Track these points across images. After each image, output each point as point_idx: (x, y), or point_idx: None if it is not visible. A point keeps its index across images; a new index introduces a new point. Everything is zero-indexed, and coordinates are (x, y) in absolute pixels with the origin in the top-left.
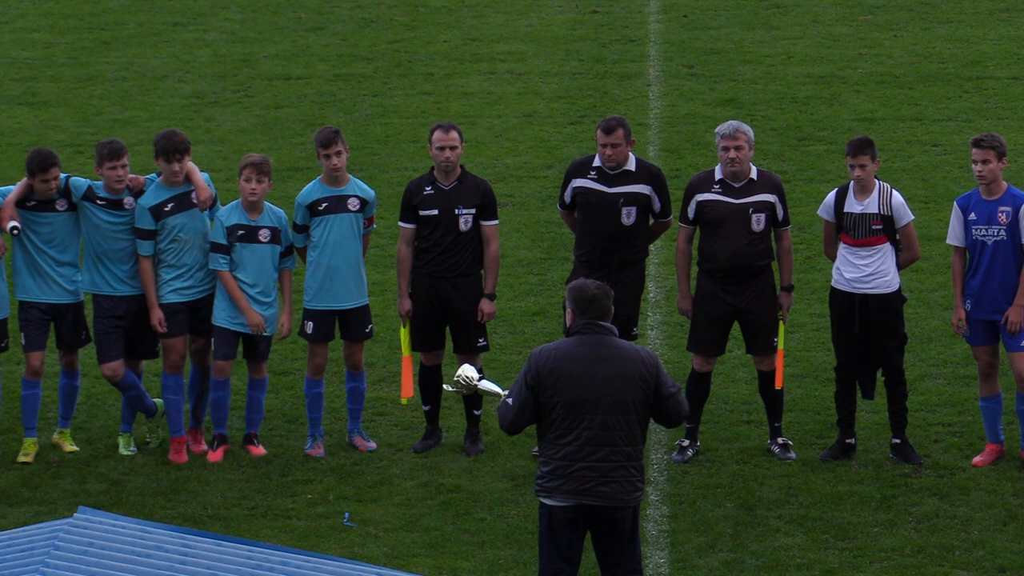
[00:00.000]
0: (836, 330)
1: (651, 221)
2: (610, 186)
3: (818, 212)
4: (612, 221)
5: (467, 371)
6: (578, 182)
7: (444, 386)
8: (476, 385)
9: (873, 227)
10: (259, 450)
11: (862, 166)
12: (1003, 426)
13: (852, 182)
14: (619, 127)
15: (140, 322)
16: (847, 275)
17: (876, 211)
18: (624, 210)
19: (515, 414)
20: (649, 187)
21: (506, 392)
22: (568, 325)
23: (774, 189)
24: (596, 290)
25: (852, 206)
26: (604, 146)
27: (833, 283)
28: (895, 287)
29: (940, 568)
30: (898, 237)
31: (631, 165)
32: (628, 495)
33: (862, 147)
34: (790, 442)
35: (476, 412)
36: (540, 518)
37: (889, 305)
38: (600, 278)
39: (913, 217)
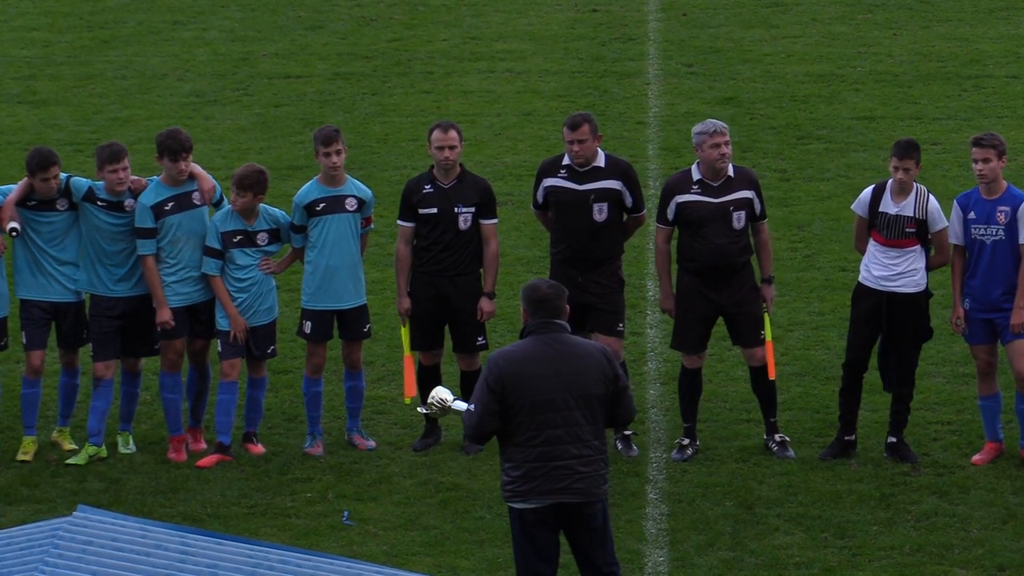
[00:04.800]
0: (856, 327)
1: (625, 218)
2: (580, 183)
3: (852, 207)
4: (584, 218)
5: (440, 393)
6: (549, 181)
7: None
8: (450, 406)
9: (906, 230)
10: (258, 448)
11: (906, 169)
12: (1002, 425)
13: (891, 181)
14: (584, 123)
15: (138, 321)
16: (875, 273)
17: (911, 214)
18: (595, 207)
19: (478, 419)
20: (619, 182)
21: (469, 403)
22: (524, 325)
23: (751, 185)
24: (549, 289)
25: (887, 206)
26: (571, 143)
27: (861, 279)
28: (923, 287)
29: (939, 566)
30: (931, 239)
31: (600, 161)
32: (598, 488)
33: (909, 150)
34: (787, 439)
35: None
36: (512, 524)
37: (915, 304)
38: (576, 275)
39: (947, 224)
